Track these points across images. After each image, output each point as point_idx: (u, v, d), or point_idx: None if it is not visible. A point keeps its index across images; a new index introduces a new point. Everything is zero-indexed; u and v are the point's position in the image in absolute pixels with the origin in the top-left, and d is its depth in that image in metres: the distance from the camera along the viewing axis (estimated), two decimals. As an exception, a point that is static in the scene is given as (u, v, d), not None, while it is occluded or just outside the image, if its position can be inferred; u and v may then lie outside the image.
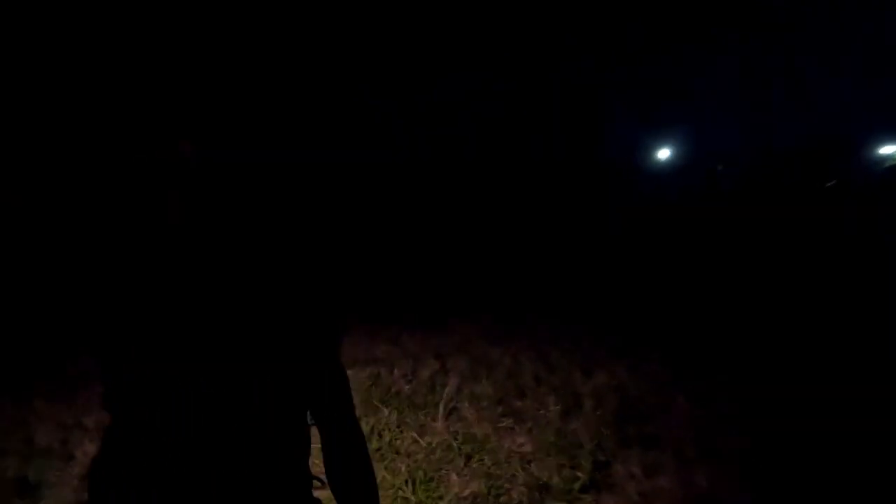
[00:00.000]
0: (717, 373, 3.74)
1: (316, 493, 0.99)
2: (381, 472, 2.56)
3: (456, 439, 2.85)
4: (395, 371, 3.98)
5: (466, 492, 2.41)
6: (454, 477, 2.52)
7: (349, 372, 3.43)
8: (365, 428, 2.98)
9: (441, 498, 2.41)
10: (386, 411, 3.24)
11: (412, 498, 2.41)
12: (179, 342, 0.85)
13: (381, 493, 1.04)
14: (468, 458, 2.69)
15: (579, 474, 2.50)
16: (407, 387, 3.65)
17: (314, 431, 1.00)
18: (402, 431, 2.98)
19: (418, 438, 2.88)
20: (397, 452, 2.76)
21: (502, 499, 2.41)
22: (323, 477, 0.99)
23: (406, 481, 2.48)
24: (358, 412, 3.19)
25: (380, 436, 2.88)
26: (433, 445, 2.81)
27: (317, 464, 0.97)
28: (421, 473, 2.53)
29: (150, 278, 0.88)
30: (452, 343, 4.73)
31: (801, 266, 7.69)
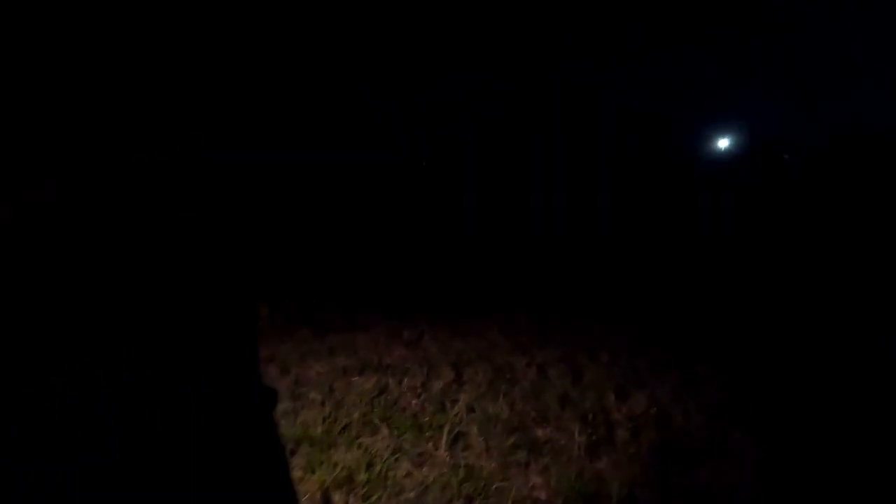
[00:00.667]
0: (784, 398, 3.12)
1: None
2: (362, 515, 2.15)
3: (457, 474, 2.40)
4: (405, 381, 3.57)
5: (460, 549, 1.96)
6: (448, 527, 2.08)
7: (354, 379, 2.97)
8: (357, 452, 2.58)
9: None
10: (386, 431, 2.83)
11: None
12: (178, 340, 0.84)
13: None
14: (469, 501, 2.24)
15: (603, 534, 2.00)
16: (414, 401, 3.23)
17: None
18: (397, 460, 2.55)
19: (413, 471, 2.45)
20: (386, 487, 2.34)
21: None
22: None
23: (388, 531, 2.05)
24: (355, 431, 2.77)
25: (369, 467, 2.46)
26: (430, 481, 2.37)
27: None
28: (408, 520, 2.10)
29: (152, 275, 0.87)
30: (475, 348, 4.27)
31: (879, 266, 6.74)
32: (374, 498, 2.28)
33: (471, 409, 3.04)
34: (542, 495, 2.24)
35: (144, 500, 0.81)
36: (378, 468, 2.47)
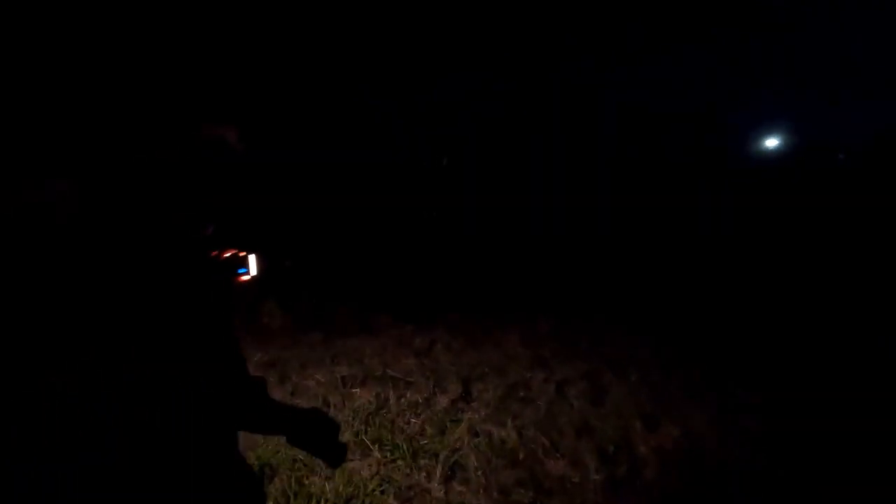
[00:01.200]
0: (841, 434, 2.64)
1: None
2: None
3: (449, 516, 2.07)
4: (408, 395, 3.26)
5: None
6: (429, 585, 1.74)
7: (355, 391, 2.64)
8: (338, 482, 2.27)
9: None
10: (377, 455, 2.52)
11: None
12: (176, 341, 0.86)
13: None
14: (458, 550, 1.90)
15: None
16: (414, 420, 2.91)
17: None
18: (383, 492, 2.24)
19: (399, 508, 2.13)
20: (365, 528, 2.03)
21: None
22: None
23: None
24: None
25: (349, 500, 2.15)
26: (416, 522, 2.05)
27: None
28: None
29: (151, 277, 0.86)
30: (490, 361, 3.92)
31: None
32: (349, 540, 1.97)
33: (474, 434, 2.69)
34: (545, 549, 1.89)
35: (144, 500, 0.85)
36: (358, 502, 2.16)
